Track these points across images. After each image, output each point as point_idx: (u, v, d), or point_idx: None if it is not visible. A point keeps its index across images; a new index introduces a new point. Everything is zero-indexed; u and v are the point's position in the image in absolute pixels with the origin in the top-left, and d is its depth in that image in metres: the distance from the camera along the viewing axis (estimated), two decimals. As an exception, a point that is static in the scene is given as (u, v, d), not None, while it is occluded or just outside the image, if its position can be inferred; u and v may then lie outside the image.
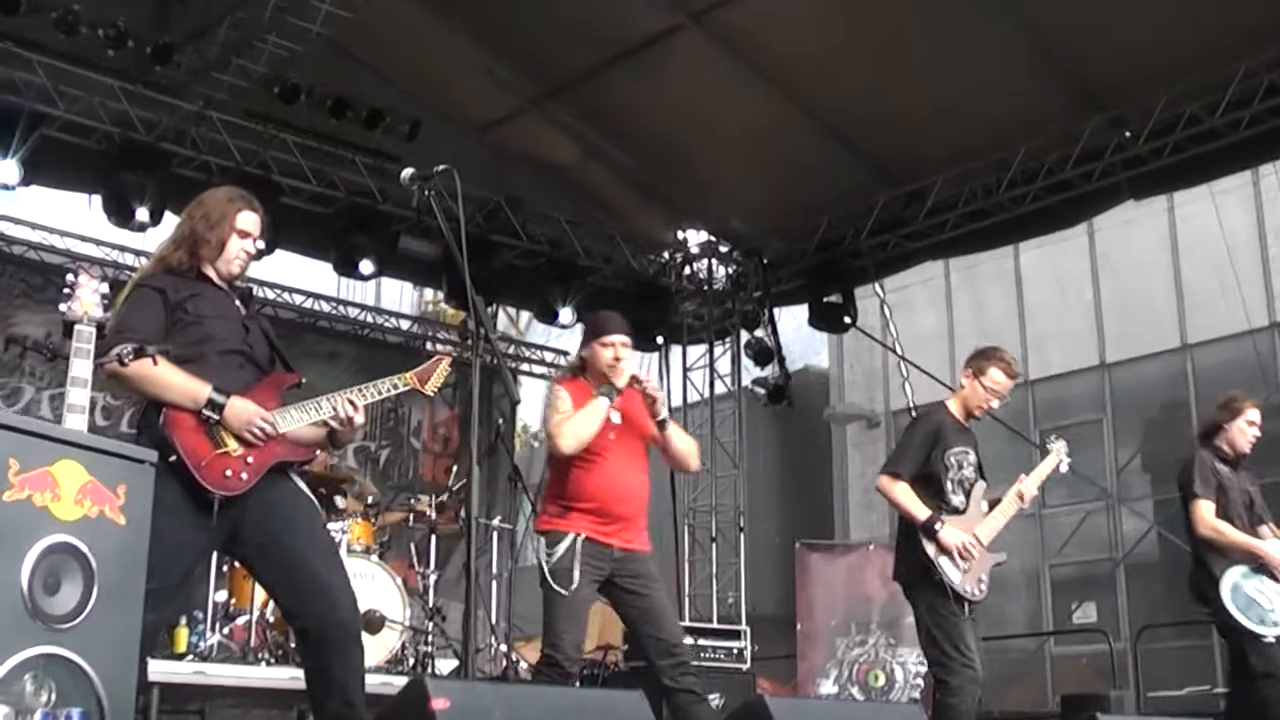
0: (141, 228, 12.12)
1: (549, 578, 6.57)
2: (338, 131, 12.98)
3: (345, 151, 13.21)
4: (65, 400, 4.77)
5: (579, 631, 6.66)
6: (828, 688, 12.95)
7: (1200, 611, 8.36)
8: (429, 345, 17.38)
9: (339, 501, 10.37)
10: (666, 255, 16.34)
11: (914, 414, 18.02)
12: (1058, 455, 7.97)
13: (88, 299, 4.88)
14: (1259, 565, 8.07)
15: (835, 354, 25.35)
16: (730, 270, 16.40)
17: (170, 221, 11.19)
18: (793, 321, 17.33)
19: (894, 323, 18.48)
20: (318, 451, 6.01)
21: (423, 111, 13.21)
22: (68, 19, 11.05)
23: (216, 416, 5.14)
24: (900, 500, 7.41)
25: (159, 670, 7.68)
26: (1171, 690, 15.50)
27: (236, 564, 9.01)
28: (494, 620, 11.46)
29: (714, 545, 15.36)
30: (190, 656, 8.99)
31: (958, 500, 7.49)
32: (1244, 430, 8.36)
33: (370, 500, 10.94)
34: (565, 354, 18.43)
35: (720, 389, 16.59)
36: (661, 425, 6.78)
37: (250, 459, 5.23)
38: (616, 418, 6.70)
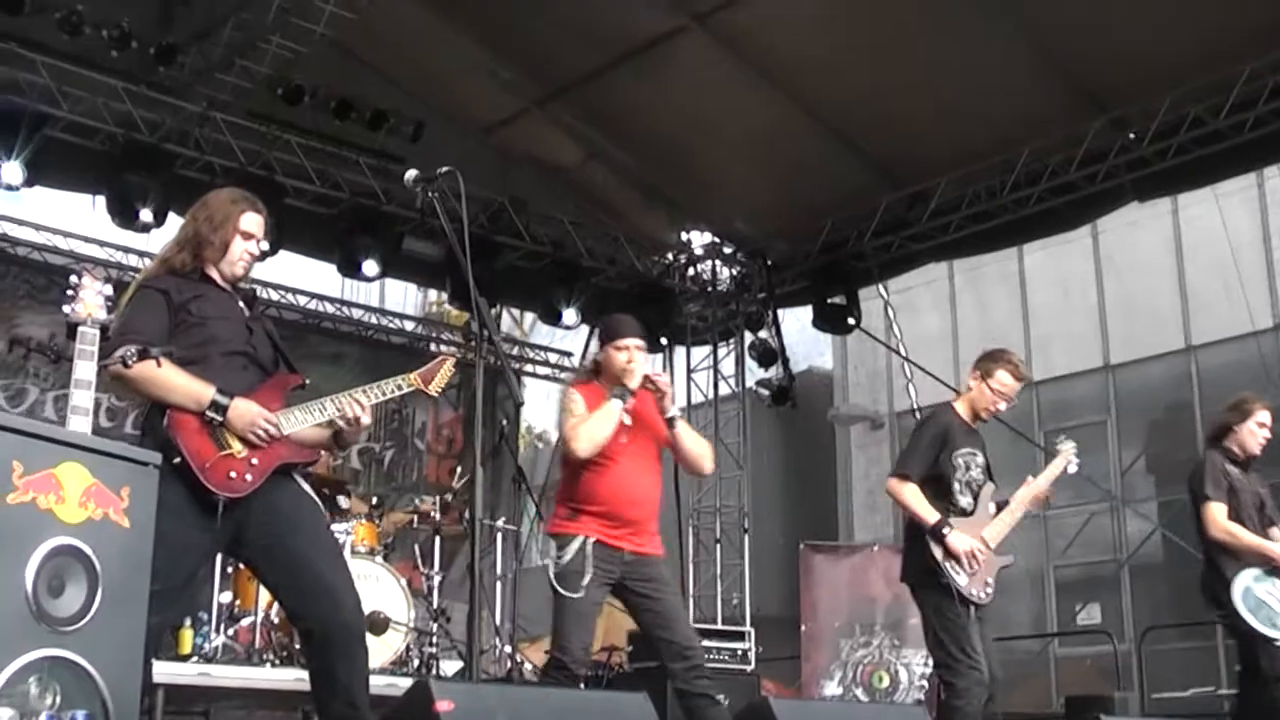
0: (145, 228, 12.13)
1: (556, 581, 6.58)
2: (341, 133, 12.99)
3: (349, 153, 13.22)
4: (69, 402, 4.77)
5: (587, 634, 6.65)
6: (832, 689, 12.95)
7: (1213, 614, 8.35)
8: (433, 346, 17.38)
9: (342, 502, 10.38)
10: (670, 257, 16.34)
11: (917, 415, 18.07)
12: (1066, 456, 7.95)
13: (91, 301, 4.89)
14: (1271, 568, 8.05)
15: (839, 355, 25.32)
16: (734, 271, 16.40)
17: (174, 222, 11.20)
18: (796, 323, 17.33)
19: (898, 324, 18.48)
20: (321, 453, 6.00)
21: (426, 113, 13.22)
22: (71, 19, 11.06)
23: (220, 418, 5.14)
24: (909, 503, 7.42)
25: (164, 672, 7.69)
26: (1176, 691, 15.48)
27: (241, 565, 9.02)
28: (498, 621, 11.45)
29: (718, 546, 15.37)
30: (195, 658, 9.00)
31: (965, 502, 7.49)
32: (1254, 432, 8.34)
33: (375, 502, 10.96)
34: (569, 355, 18.47)
35: (724, 390, 16.59)
36: (670, 423, 6.75)
37: (254, 461, 5.23)
38: (628, 420, 6.67)
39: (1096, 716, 6.87)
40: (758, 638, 12.89)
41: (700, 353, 17.00)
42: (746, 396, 16.31)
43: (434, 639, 10.31)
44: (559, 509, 6.82)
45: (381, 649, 9.37)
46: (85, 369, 4.79)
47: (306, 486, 5.60)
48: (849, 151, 13.66)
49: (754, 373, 16.47)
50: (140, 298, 5.35)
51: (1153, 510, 20.00)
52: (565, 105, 13.84)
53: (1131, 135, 12.50)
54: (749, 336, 16.37)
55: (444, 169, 5.70)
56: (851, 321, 15.34)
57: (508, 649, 11.06)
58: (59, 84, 11.72)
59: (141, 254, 13.75)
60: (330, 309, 16.49)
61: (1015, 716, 8.16)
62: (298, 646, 8.07)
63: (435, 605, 10.60)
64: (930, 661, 12.51)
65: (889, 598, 13.12)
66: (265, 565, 5.50)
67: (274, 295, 15.36)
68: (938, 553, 7.28)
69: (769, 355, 16.16)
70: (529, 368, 18.62)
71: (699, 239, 16.10)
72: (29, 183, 11.78)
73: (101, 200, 12.24)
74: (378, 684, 6.12)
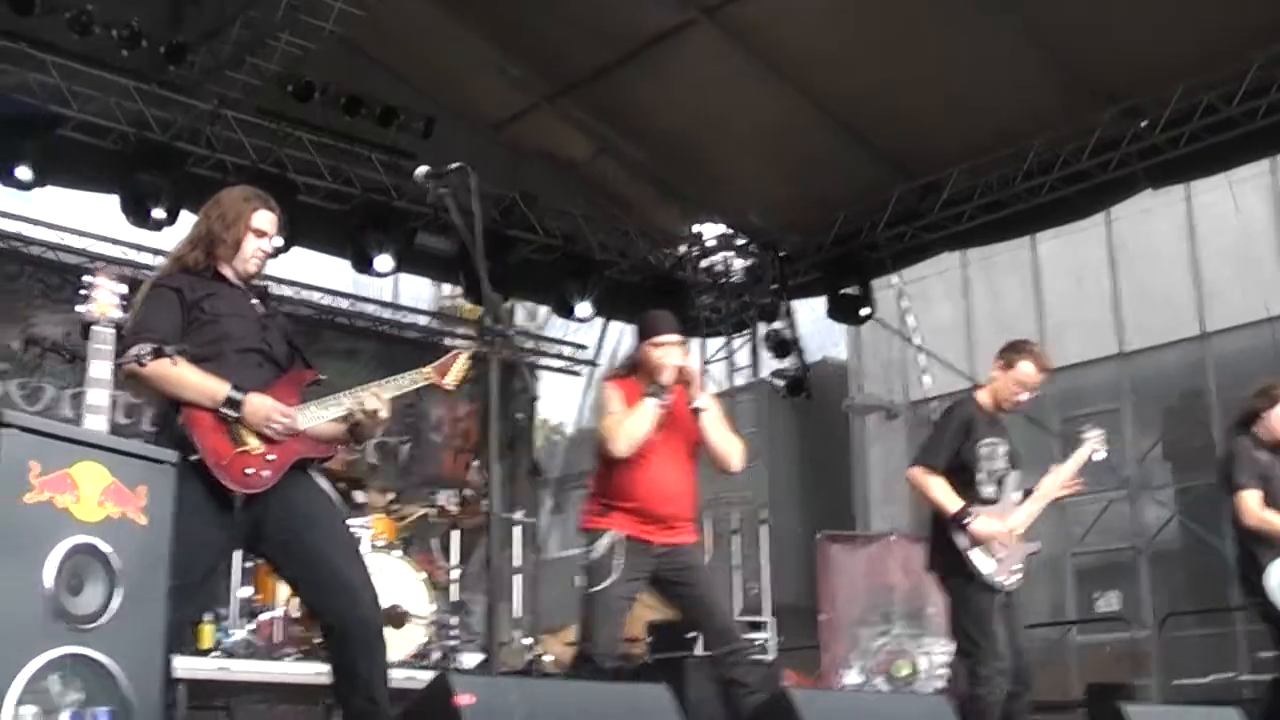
0: (158, 226, 12.13)
1: (586, 575, 6.60)
2: (352, 129, 13.01)
3: (360, 149, 13.23)
4: (85, 401, 4.79)
5: (615, 628, 6.66)
6: (852, 678, 12.93)
7: (1250, 602, 8.34)
8: (447, 341, 17.35)
9: (359, 497, 10.39)
10: (683, 249, 16.34)
11: (933, 405, 18.06)
12: (1091, 446, 7.94)
13: (105, 300, 4.90)
14: None
15: (853, 345, 25.27)
16: (747, 263, 16.40)
17: (186, 220, 11.22)
18: (810, 313, 17.32)
19: (912, 314, 18.45)
20: (338, 448, 6.02)
21: (436, 109, 13.23)
22: (81, 19, 11.07)
23: (236, 414, 5.16)
24: (932, 493, 7.43)
25: (185, 667, 7.69)
26: (1195, 678, 15.46)
27: (261, 560, 9.04)
28: (517, 614, 11.46)
29: (736, 537, 15.35)
30: (216, 653, 9.03)
31: (989, 491, 7.50)
32: None
33: (392, 496, 10.98)
34: (583, 348, 18.46)
35: (739, 381, 16.60)
36: (696, 413, 6.72)
37: (271, 456, 5.25)
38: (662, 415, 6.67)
39: (1117, 704, 6.84)
40: (777, 627, 12.89)
41: (714, 344, 17.01)
42: (761, 388, 16.30)
43: (453, 632, 10.32)
44: (590, 504, 6.84)
45: (401, 643, 9.39)
46: (100, 368, 4.82)
47: (323, 482, 5.61)
48: (860, 144, 13.66)
49: (768, 364, 16.47)
50: (154, 296, 5.36)
51: (1170, 497, 19.95)
52: (575, 100, 13.84)
53: (1144, 123, 12.48)
54: (763, 328, 16.37)
55: (455, 165, 5.69)
56: (865, 312, 15.35)
57: (527, 641, 11.08)
58: (70, 84, 11.73)
59: (155, 252, 13.70)
60: (344, 304, 16.45)
61: (1035, 704, 8.14)
62: (318, 641, 8.09)
63: (454, 598, 10.62)
64: (949, 650, 12.57)
65: (907, 587, 13.10)
66: (283, 561, 5.52)
67: (287, 291, 15.31)
68: (962, 541, 7.29)
69: (783, 346, 16.16)
70: (543, 361, 18.60)
71: (711, 231, 16.10)
72: (41, 182, 11.81)
73: (114, 199, 12.26)
74: (397, 678, 6.13)
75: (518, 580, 11.79)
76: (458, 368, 5.82)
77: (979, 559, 7.29)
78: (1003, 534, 7.33)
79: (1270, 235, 19.51)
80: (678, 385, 6.67)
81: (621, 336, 18.49)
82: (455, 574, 10.83)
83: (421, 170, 5.83)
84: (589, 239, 15.04)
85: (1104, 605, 20.15)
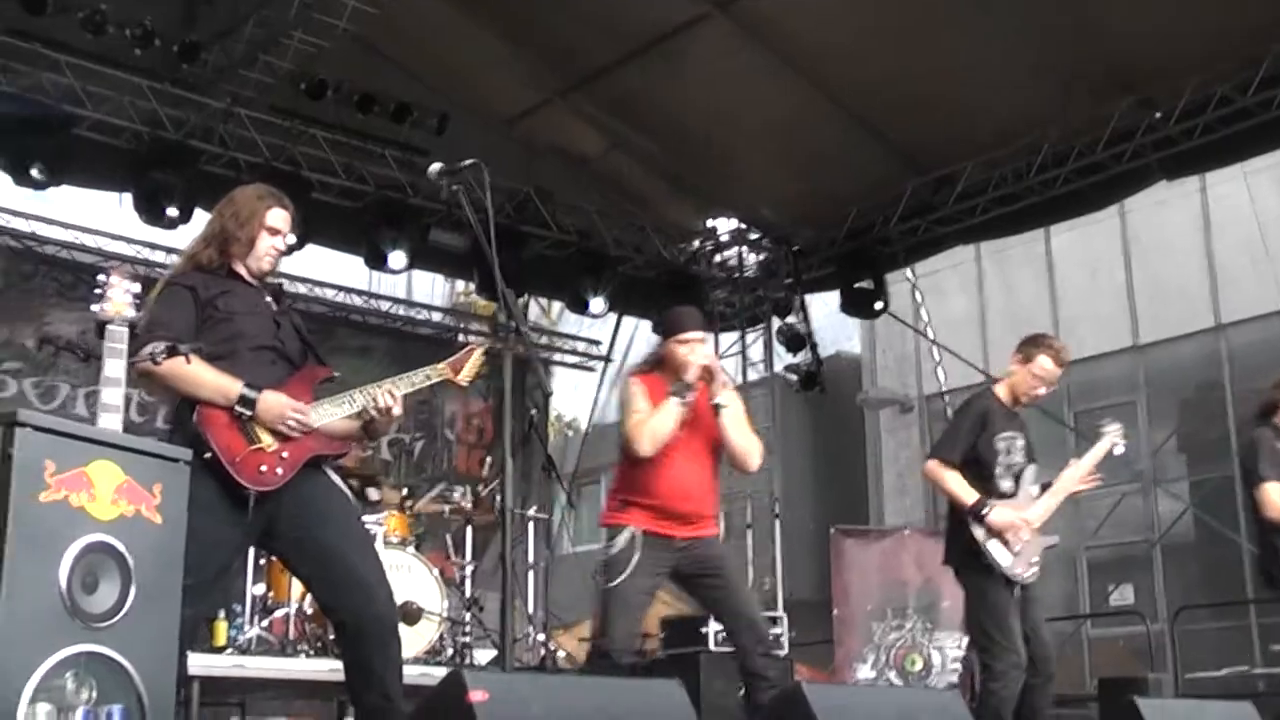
0: (172, 225, 12.16)
1: (604, 570, 6.61)
2: (365, 126, 13.02)
3: (373, 146, 13.25)
4: (99, 400, 4.81)
5: (632, 623, 6.66)
6: (865, 672, 12.96)
7: (1272, 595, 8.34)
8: (461, 337, 17.38)
9: (371, 494, 10.41)
10: (696, 244, 16.32)
11: (946, 398, 18.06)
12: (1110, 439, 7.94)
13: (119, 299, 4.92)
14: None
15: (867, 339, 25.28)
16: (761, 258, 16.38)
17: (200, 218, 11.24)
18: (824, 308, 17.32)
19: (925, 307, 18.45)
20: (351, 445, 6.04)
21: (449, 106, 13.21)
22: (94, 19, 11.08)
23: (249, 412, 5.18)
24: (949, 486, 7.45)
25: (199, 664, 7.73)
26: (1209, 671, 15.46)
27: (274, 557, 9.06)
28: (531, 610, 11.48)
29: (749, 532, 15.36)
30: (230, 649, 9.05)
31: (1006, 485, 7.52)
32: None
33: (405, 493, 11.00)
34: (597, 343, 18.48)
35: (752, 376, 16.58)
36: (716, 409, 6.69)
37: (285, 454, 5.27)
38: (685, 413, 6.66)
39: (1130, 698, 6.84)
40: (790, 622, 12.90)
41: (728, 339, 16.98)
42: (775, 382, 16.29)
43: (467, 628, 10.34)
44: (611, 500, 6.85)
45: (415, 639, 9.40)
46: (114, 367, 4.83)
47: (337, 479, 5.63)
48: (873, 137, 13.63)
49: (782, 358, 16.46)
50: (168, 294, 5.39)
51: (1184, 490, 19.93)
52: (588, 96, 13.83)
53: (1158, 115, 12.45)
54: (776, 322, 16.34)
55: (468, 161, 5.71)
56: (879, 306, 15.32)
57: (541, 637, 11.09)
58: (83, 83, 11.75)
59: (169, 250, 13.77)
60: (358, 301, 16.51)
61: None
62: (331, 637, 8.11)
63: (468, 595, 10.64)
64: (963, 644, 12.58)
65: (920, 581, 13.13)
66: (297, 558, 5.54)
67: (301, 289, 15.38)
68: (979, 533, 7.31)
69: (797, 340, 16.15)
70: (557, 356, 18.64)
71: (725, 226, 16.08)
72: (56, 182, 11.85)
73: (128, 197, 12.29)
74: (411, 674, 6.15)
75: (531, 576, 11.81)
76: (471, 364, 5.84)
77: (996, 551, 7.30)
78: (1020, 524, 7.33)
79: (1285, 225, 19.46)
80: (700, 382, 6.66)
81: (636, 332, 18.51)
82: (469, 570, 10.84)
83: (435, 167, 5.85)
84: (603, 234, 15.03)
85: (1117, 599, 20.15)
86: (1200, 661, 15.56)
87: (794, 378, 16.36)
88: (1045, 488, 7.65)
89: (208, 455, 5.06)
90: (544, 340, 18.62)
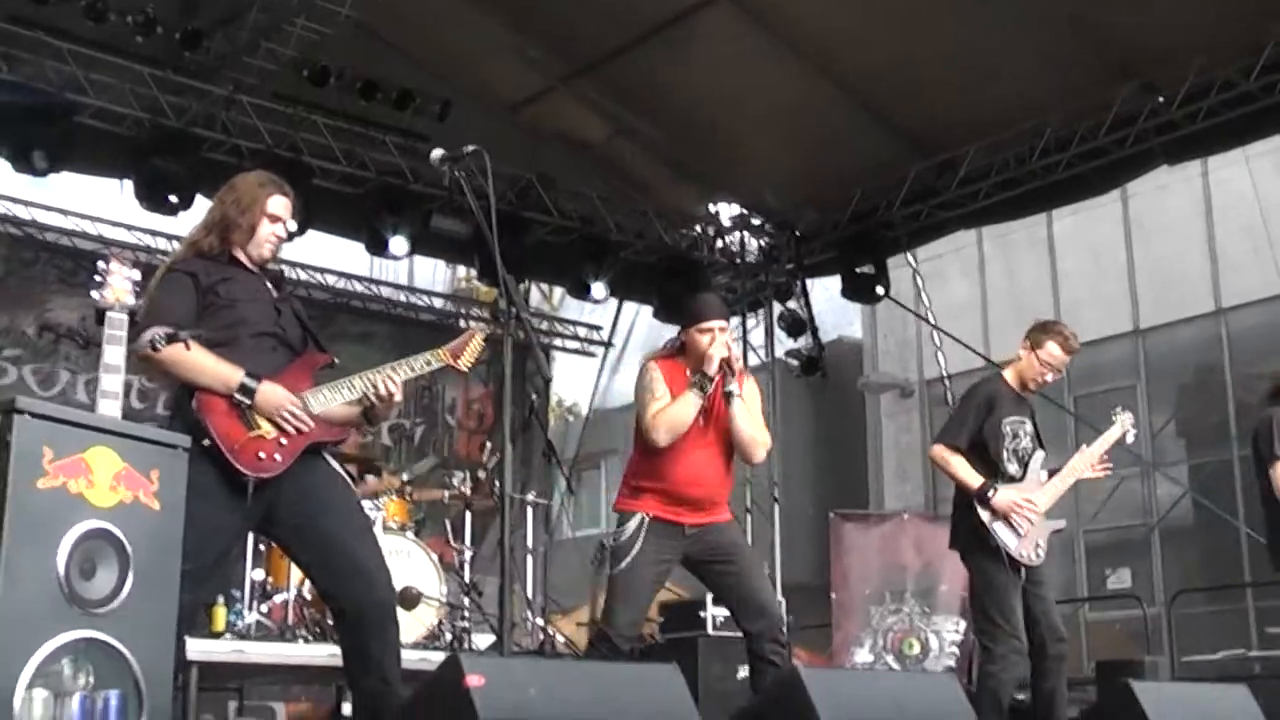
0: (173, 212, 12.18)
1: (611, 556, 6.61)
2: (368, 113, 13.03)
3: (376, 133, 13.24)
4: (98, 386, 4.83)
5: (635, 610, 6.66)
6: (863, 656, 12.97)
7: None
8: (462, 323, 17.40)
9: (370, 480, 10.43)
10: (698, 229, 16.31)
11: (947, 383, 18.08)
12: (1122, 426, 7.98)
13: (119, 286, 4.95)
14: None
15: (868, 324, 25.30)
16: (762, 243, 16.38)
17: (201, 205, 11.26)
18: (825, 293, 17.33)
19: (927, 292, 18.45)
20: (351, 431, 6.06)
21: (452, 92, 13.21)
22: (96, 7, 11.09)
23: (249, 401, 5.20)
24: (954, 470, 7.49)
25: (198, 649, 7.75)
26: (1206, 654, 15.50)
27: (273, 544, 9.08)
28: (530, 595, 11.50)
29: (749, 516, 15.37)
30: (228, 635, 9.04)
31: (1013, 469, 7.54)
32: None
33: (406, 477, 11.01)
34: (598, 329, 18.51)
35: (753, 361, 16.57)
36: (727, 397, 6.67)
37: (284, 441, 5.29)
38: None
39: (1126, 681, 6.87)
40: (789, 606, 12.90)
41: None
42: (776, 367, 16.30)
43: (466, 613, 10.35)
44: (623, 486, 6.83)
45: (414, 624, 9.40)
46: (114, 354, 4.86)
47: (336, 465, 5.65)
48: (877, 121, 13.62)
49: (783, 343, 16.47)
50: (168, 281, 5.41)
51: (1183, 474, 19.97)
52: (591, 82, 13.81)
53: (1161, 99, 12.44)
54: (778, 307, 16.36)
55: (470, 148, 5.72)
56: (880, 291, 15.31)
57: (540, 622, 11.11)
58: (85, 71, 11.76)
59: (170, 237, 13.80)
60: (359, 287, 16.53)
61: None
62: (330, 622, 8.13)
63: (467, 580, 10.65)
64: (960, 628, 12.62)
65: (919, 565, 13.14)
66: (297, 545, 5.56)
67: (302, 275, 15.40)
68: (985, 516, 7.34)
69: (798, 325, 16.17)
70: (558, 342, 18.67)
71: (727, 211, 16.05)
72: (57, 169, 11.87)
73: (129, 185, 12.30)
74: (410, 659, 6.18)
75: (530, 561, 11.82)
76: (471, 349, 5.84)
77: (1003, 533, 7.34)
78: (1024, 505, 7.35)
79: (1286, 210, 19.47)
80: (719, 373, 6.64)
81: (637, 317, 18.54)
82: (468, 555, 10.85)
83: (437, 153, 5.87)
84: (605, 220, 15.02)
85: (1115, 582, 20.20)
86: (1197, 645, 15.59)
87: (795, 363, 16.39)
88: (1054, 473, 7.69)
89: (207, 442, 5.08)
90: (545, 326, 18.64)
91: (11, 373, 13.25)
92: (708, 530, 6.68)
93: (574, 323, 19.01)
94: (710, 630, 10.34)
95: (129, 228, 14.32)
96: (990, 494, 7.33)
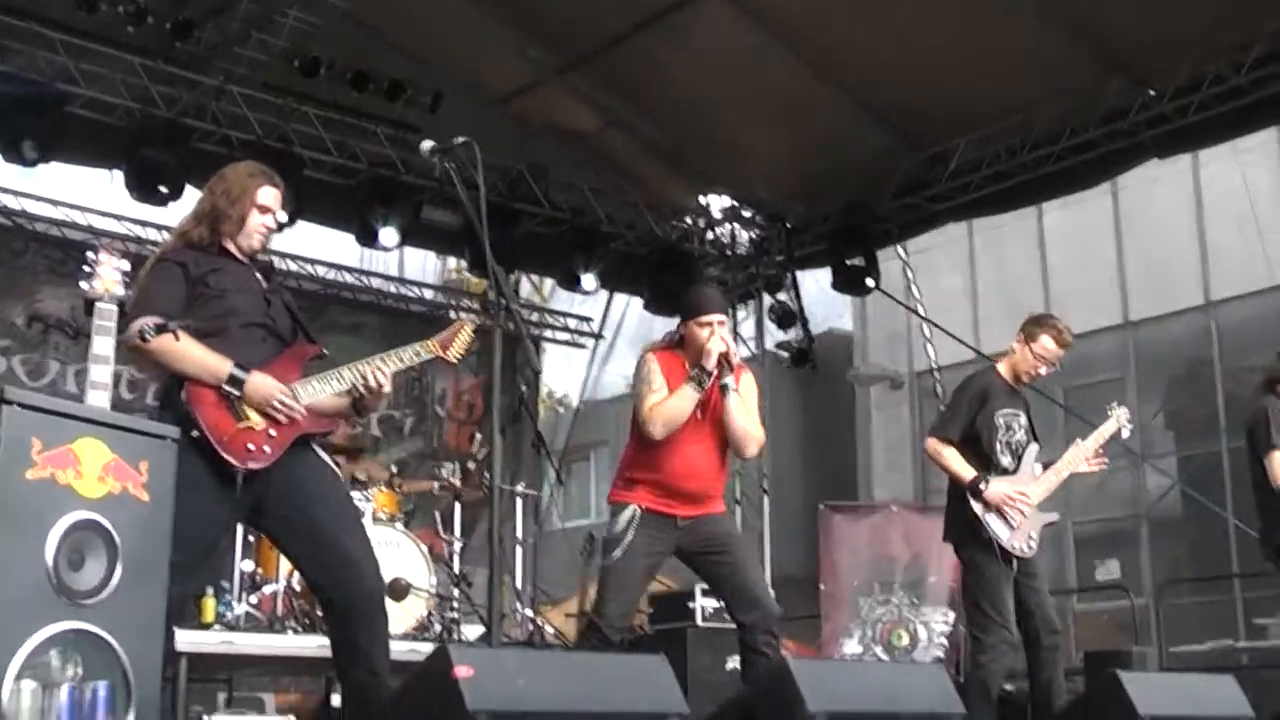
0: (164, 202, 12.17)
1: (604, 547, 6.62)
2: (359, 104, 12.99)
3: (367, 124, 13.23)
4: (88, 377, 4.83)
5: (626, 601, 6.66)
6: (851, 647, 12.96)
7: (1274, 569, 8.38)
8: (452, 314, 17.37)
9: (358, 473, 10.42)
10: (689, 221, 16.31)
11: (937, 375, 18.09)
12: (1118, 421, 8.01)
13: (109, 276, 4.94)
14: None
15: (858, 316, 25.31)
16: (753, 235, 16.38)
17: (191, 196, 11.25)
18: (815, 285, 17.32)
19: (917, 284, 18.44)
20: (340, 422, 6.06)
21: (443, 83, 13.17)
22: (88, -4, 11.09)
23: (238, 393, 5.20)
24: (947, 462, 7.54)
25: (187, 640, 7.73)
26: (1194, 645, 15.54)
27: (262, 535, 9.08)
28: (519, 586, 11.51)
29: (738, 508, 15.38)
30: (218, 626, 9.03)
31: (1006, 461, 7.59)
32: None
33: (394, 470, 11.02)
34: (588, 320, 18.51)
35: (744, 353, 16.49)
36: (723, 390, 6.65)
37: (273, 432, 5.29)
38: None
39: (1113, 672, 6.89)
40: (778, 598, 12.88)
41: (719, 316, 16.96)
42: (766, 359, 16.32)
43: (455, 605, 10.36)
44: (617, 478, 6.83)
45: (403, 615, 9.40)
46: (103, 344, 4.86)
47: (325, 456, 5.66)
48: (867, 114, 13.62)
49: (773, 335, 16.50)
50: (158, 271, 5.40)
51: (1172, 466, 20.03)
52: (583, 73, 13.79)
53: (1151, 93, 12.46)
54: (768, 299, 16.38)
55: (460, 139, 5.72)
56: (870, 283, 15.31)
57: (529, 613, 11.12)
58: (76, 61, 11.76)
59: (160, 228, 13.77)
60: (349, 279, 16.51)
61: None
62: (319, 613, 8.14)
63: (456, 571, 10.66)
64: (949, 619, 12.63)
65: (908, 557, 13.12)
66: (286, 536, 5.57)
67: (292, 266, 15.38)
68: (978, 508, 7.38)
69: (788, 317, 16.19)
70: (548, 333, 18.66)
71: (717, 203, 16.05)
72: (47, 159, 11.86)
73: (119, 175, 12.29)
74: (399, 650, 6.18)
75: (520, 552, 11.83)
76: (460, 340, 5.85)
77: (995, 525, 7.38)
78: (1016, 497, 7.38)
79: (1276, 203, 19.53)
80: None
81: (627, 309, 18.54)
82: (457, 546, 10.85)
83: (427, 144, 5.86)
84: (596, 211, 15.03)
85: (1104, 573, 20.24)
86: (1185, 635, 15.64)
87: (785, 354, 16.42)
88: (1048, 467, 7.72)
89: (196, 433, 5.08)
90: (536, 317, 18.64)
91: (1, 363, 13.23)
92: (701, 522, 6.68)
93: (564, 314, 19.02)
94: (699, 621, 10.33)
95: (118, 218, 14.30)
96: (982, 486, 7.37)
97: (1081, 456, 7.81)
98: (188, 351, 5.16)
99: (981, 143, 13.57)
